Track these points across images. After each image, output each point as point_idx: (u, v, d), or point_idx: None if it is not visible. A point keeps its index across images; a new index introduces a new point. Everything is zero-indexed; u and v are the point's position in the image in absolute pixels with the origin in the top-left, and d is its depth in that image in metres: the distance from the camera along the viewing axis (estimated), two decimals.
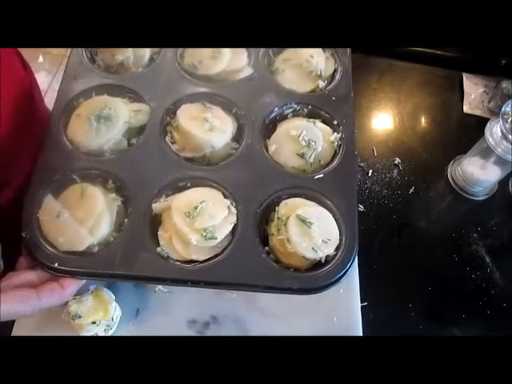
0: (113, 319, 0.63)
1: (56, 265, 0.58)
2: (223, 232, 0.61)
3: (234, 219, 0.63)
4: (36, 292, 0.56)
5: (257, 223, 0.63)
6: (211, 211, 0.62)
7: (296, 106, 0.73)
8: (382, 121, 0.97)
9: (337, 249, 0.63)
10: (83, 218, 0.61)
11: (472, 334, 0.74)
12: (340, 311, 0.70)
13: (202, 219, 0.61)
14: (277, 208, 0.65)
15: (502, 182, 0.87)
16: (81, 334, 0.63)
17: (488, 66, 1.02)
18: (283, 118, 0.73)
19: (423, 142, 0.94)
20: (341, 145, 0.70)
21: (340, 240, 0.63)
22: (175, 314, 0.68)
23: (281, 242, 0.62)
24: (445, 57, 1.03)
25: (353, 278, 0.72)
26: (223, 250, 0.61)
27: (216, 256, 0.61)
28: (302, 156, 0.68)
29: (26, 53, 0.75)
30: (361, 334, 0.68)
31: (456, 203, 0.88)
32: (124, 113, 0.67)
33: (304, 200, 0.65)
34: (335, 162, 0.69)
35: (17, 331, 0.65)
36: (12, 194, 0.68)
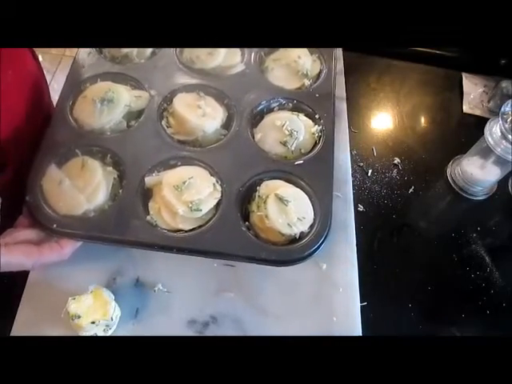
0: (112, 319, 0.64)
1: (55, 226, 0.64)
2: (208, 205, 0.67)
3: (218, 195, 0.69)
4: (37, 248, 0.61)
5: (239, 200, 0.69)
6: (198, 186, 0.68)
7: (282, 100, 0.80)
8: (382, 121, 0.98)
9: (311, 227, 0.68)
10: (82, 186, 0.67)
11: (471, 334, 0.73)
12: (339, 311, 0.70)
13: (189, 193, 0.67)
14: (258, 188, 0.71)
15: (502, 182, 0.86)
16: (80, 334, 0.64)
17: (487, 66, 1.02)
18: (270, 110, 0.80)
19: (423, 141, 0.94)
20: (321, 136, 0.77)
21: (314, 219, 0.69)
22: (175, 313, 0.69)
23: (260, 218, 0.68)
24: (444, 57, 1.04)
25: (352, 277, 0.73)
26: (207, 222, 0.67)
27: (200, 227, 0.67)
28: (284, 144, 0.75)
29: None
30: (360, 334, 0.69)
31: (455, 203, 0.88)
32: (125, 97, 0.74)
33: (284, 182, 0.72)
34: (315, 151, 0.75)
35: (16, 331, 0.65)
36: (12, 174, 0.72)
